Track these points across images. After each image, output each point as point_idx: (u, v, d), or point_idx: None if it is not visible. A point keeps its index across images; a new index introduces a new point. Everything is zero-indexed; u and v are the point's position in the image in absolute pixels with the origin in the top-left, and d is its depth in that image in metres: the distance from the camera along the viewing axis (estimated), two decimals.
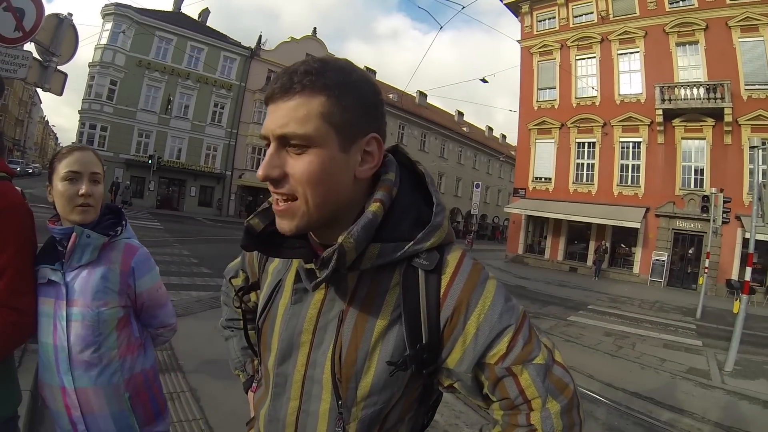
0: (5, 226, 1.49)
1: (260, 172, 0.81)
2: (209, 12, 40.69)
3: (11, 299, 1.48)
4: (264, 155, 0.83)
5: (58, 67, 4.98)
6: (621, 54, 23.83)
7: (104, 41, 33.13)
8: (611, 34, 23.95)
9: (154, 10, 35.84)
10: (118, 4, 32.76)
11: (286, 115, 0.78)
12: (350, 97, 0.80)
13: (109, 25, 33.16)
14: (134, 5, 33.33)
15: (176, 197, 36.41)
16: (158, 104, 35.08)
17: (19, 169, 40.49)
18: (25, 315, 1.54)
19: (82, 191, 1.58)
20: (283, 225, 0.83)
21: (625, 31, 23.41)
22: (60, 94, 5.22)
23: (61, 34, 4.82)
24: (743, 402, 6.15)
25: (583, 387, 5.56)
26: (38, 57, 4.78)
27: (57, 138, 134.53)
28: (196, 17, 39.48)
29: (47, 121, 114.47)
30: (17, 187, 1.69)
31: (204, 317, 6.57)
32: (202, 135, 36.63)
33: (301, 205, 0.80)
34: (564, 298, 14.46)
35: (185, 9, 38.90)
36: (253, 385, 1.30)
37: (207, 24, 39.86)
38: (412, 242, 0.84)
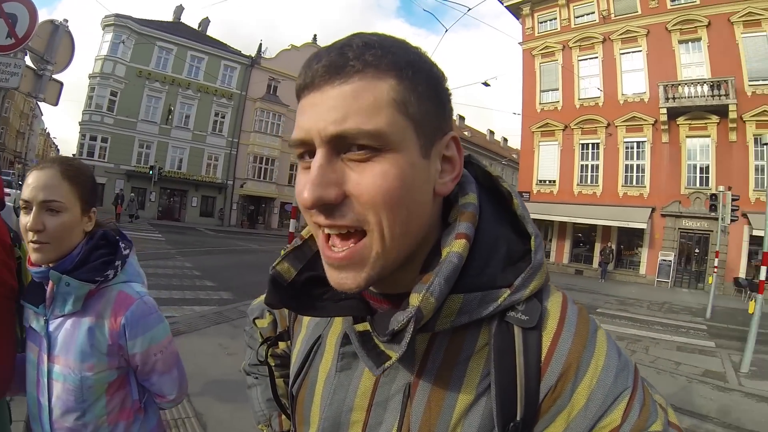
0: None
1: (307, 194, 0.55)
2: (209, 21, 41.12)
3: None
4: (293, 168, 0.56)
5: (54, 76, 4.89)
6: (623, 53, 23.83)
7: (104, 52, 33.35)
8: (613, 34, 23.93)
9: (154, 20, 36.37)
10: (118, 15, 33.07)
11: (343, 105, 0.54)
12: (425, 81, 0.59)
13: (109, 36, 33.38)
14: (134, 16, 33.98)
15: (178, 208, 36.42)
16: (159, 114, 35.20)
17: (10, 179, 40.55)
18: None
19: (28, 225, 1.25)
20: (346, 281, 0.59)
21: (627, 30, 23.38)
22: (55, 104, 5.14)
23: (57, 41, 4.73)
24: (762, 404, 6.05)
25: None
26: (32, 65, 4.69)
27: (58, 149, 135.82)
28: (196, 27, 39.87)
29: (48, 133, 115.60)
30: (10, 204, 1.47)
31: (208, 333, 6.31)
32: (203, 145, 36.73)
33: (373, 242, 0.57)
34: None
35: (185, 19, 39.55)
36: None
37: (207, 33, 40.20)
38: (510, 291, 0.61)
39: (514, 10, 28.20)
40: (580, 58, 25.30)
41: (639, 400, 0.62)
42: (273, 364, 1.00)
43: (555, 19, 26.53)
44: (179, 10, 39.40)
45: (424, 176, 0.59)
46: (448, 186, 0.63)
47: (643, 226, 21.27)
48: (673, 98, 21.18)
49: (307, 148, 0.58)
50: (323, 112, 0.54)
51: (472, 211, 0.64)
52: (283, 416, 1.10)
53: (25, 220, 1.25)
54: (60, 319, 1.30)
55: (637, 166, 22.82)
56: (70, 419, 1.30)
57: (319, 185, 0.54)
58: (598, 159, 24.00)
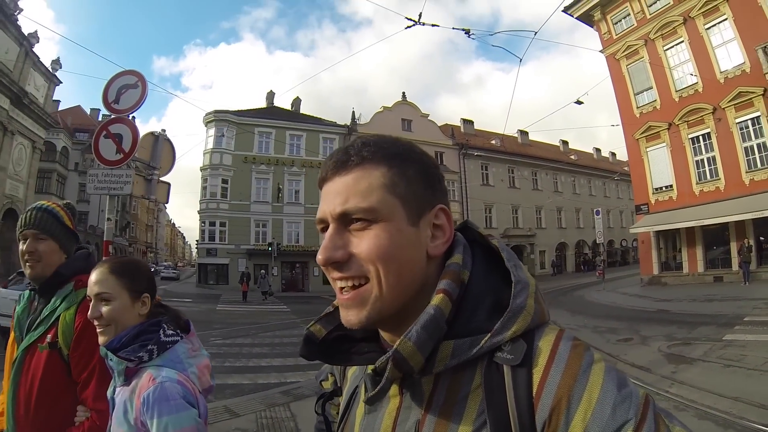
0: (93, 336, 1.59)
1: (320, 255, 0.74)
2: (300, 100, 43.88)
3: (96, 403, 1.60)
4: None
5: (161, 179, 5.54)
6: (709, 27, 21.52)
7: (210, 146, 37.22)
8: (692, 10, 21.81)
9: (250, 109, 39.86)
10: (216, 111, 36.88)
11: (345, 191, 0.74)
12: (413, 167, 0.77)
13: (212, 131, 37.23)
14: (231, 109, 37.32)
15: (300, 279, 38.09)
16: (269, 194, 37.91)
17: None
18: (106, 417, 1.58)
19: (88, 315, 1.57)
20: (351, 317, 0.75)
21: (706, 1, 21.29)
22: (165, 201, 5.83)
23: (158, 149, 5.39)
24: None
25: (755, 422, 4.90)
26: (142, 172, 5.43)
27: (184, 237, 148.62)
28: (289, 107, 42.71)
29: (174, 224, 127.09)
30: None
31: None
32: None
33: (372, 287, 0.73)
34: (714, 314, 12.77)
35: (278, 102, 42.26)
36: None
37: (301, 111, 42.83)
38: (489, 335, 0.71)
39: (586, 19, 27.24)
40: (665, 47, 23.44)
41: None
42: (335, 413, 1.14)
43: (629, 15, 25.10)
44: (271, 95, 42.36)
45: (412, 239, 0.75)
46: (440, 248, 0.79)
47: None
48: None
49: (325, 224, 0.76)
50: (333, 197, 0.74)
51: (453, 269, 0.77)
52: None
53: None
54: (120, 389, 1.54)
55: (758, 145, 20.10)
56: None
57: (329, 249, 0.73)
58: (712, 150, 21.63)
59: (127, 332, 1.55)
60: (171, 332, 1.62)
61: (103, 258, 1.83)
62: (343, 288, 0.75)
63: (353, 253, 0.73)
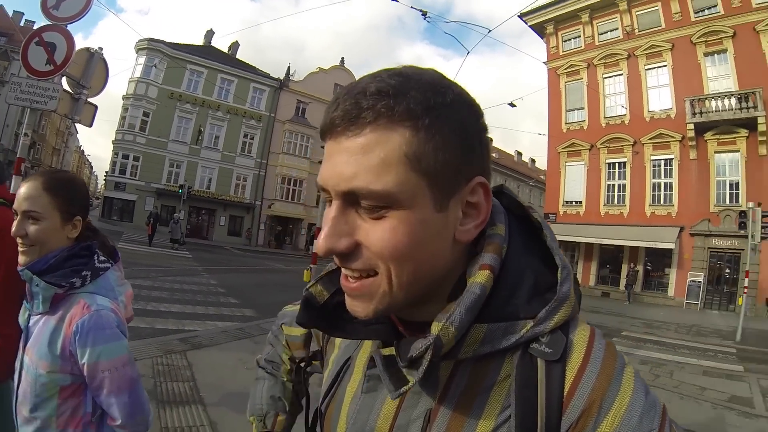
0: None
1: (321, 243, 0.57)
2: (239, 45, 42.32)
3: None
4: (321, 212, 0.62)
5: (89, 100, 5.11)
6: (648, 69, 23.30)
7: (138, 75, 34.92)
8: (638, 49, 23.45)
9: (186, 44, 37.75)
10: (151, 39, 34.46)
11: (354, 161, 0.54)
12: (446, 126, 0.56)
13: (142, 59, 34.98)
14: (166, 40, 35.20)
15: (206, 226, 37.24)
16: (189, 135, 36.34)
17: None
18: (10, 341, 1.47)
19: (12, 231, 1.41)
20: (356, 308, 0.61)
21: (652, 45, 22.95)
22: (90, 125, 5.35)
23: (92, 67, 4.97)
24: None
25: None
26: (69, 89, 4.92)
27: (92, 166, 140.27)
28: (226, 50, 40.95)
29: (83, 151, 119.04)
30: None
31: (229, 348, 6.45)
32: (232, 165, 37.62)
33: (381, 282, 0.58)
34: (597, 324, 12.91)
35: (215, 42, 40.57)
36: None
37: (237, 57, 41.23)
38: (533, 323, 0.60)
39: (538, 29, 28.09)
40: (605, 75, 24.92)
41: None
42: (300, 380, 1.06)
43: (579, 36, 26.28)
44: (210, 34, 40.69)
45: (439, 228, 0.58)
46: (471, 233, 0.61)
47: (672, 246, 20.45)
48: (701, 113, 20.42)
49: (327, 195, 0.59)
50: (337, 165, 0.56)
51: (497, 242, 0.63)
52: (281, 417, 1.10)
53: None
54: (38, 317, 1.42)
55: (665, 184, 22.11)
56: (24, 409, 1.39)
57: (332, 236, 0.56)
58: (624, 178, 23.44)
59: (55, 254, 1.42)
60: (103, 258, 1.52)
61: (32, 173, 1.63)
62: (348, 275, 0.61)
63: (361, 243, 0.57)
